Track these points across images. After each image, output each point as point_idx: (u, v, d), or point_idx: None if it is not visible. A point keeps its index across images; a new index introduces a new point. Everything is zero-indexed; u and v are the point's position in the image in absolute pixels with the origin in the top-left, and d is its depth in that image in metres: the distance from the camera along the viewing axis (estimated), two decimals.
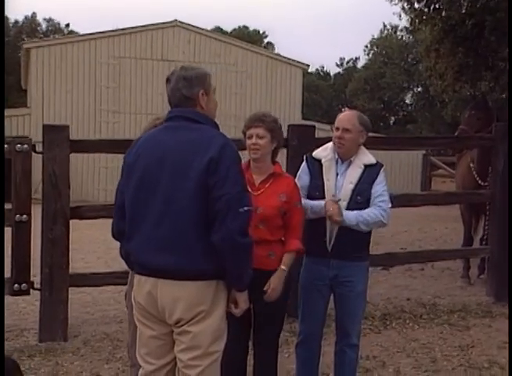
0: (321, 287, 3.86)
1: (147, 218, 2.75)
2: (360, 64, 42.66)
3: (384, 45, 37.96)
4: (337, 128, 3.83)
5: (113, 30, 19.90)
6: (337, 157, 3.86)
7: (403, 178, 20.66)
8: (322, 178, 3.81)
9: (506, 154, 6.45)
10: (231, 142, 2.82)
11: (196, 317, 2.75)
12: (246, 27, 43.86)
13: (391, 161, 20.42)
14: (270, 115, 3.70)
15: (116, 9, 71.31)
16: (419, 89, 36.71)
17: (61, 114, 18.41)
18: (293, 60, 21.91)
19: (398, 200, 6.46)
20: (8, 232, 5.14)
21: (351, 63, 44.32)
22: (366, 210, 3.73)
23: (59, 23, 39.89)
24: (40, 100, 18.82)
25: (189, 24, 20.49)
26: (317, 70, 45.06)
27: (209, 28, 42.14)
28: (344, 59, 44.45)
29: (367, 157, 3.89)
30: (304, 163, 3.94)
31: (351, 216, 3.70)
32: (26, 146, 5.20)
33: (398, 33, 37.77)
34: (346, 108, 43.18)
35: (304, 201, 3.74)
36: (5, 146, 5.16)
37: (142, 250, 2.78)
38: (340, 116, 3.89)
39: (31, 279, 5.28)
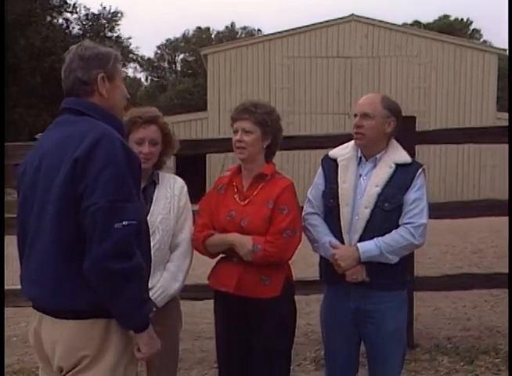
0: (344, 324, 3.00)
1: (27, 242, 2.24)
2: None
3: None
4: (355, 115, 2.96)
5: (287, 30, 19.72)
6: (360, 154, 2.98)
7: None
8: (337, 182, 2.96)
9: None
10: (113, 136, 2.14)
11: (78, 366, 2.15)
12: (447, 16, 41.25)
13: None
14: (263, 105, 2.95)
15: (304, 8, 72.46)
16: None
17: None
18: (487, 46, 19.92)
19: None
20: None
21: None
22: (390, 234, 2.85)
23: (254, 29, 41.41)
24: (216, 104, 19.32)
25: (366, 17, 19.60)
26: None
27: (409, 22, 40.68)
28: None
29: (400, 153, 2.97)
30: (320, 167, 3.12)
31: (371, 246, 2.84)
32: None
33: None
34: None
35: (312, 229, 3.00)
36: None
37: (25, 278, 2.28)
38: (360, 100, 3.00)
39: None
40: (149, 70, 47.64)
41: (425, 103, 19.35)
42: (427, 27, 36.04)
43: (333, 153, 3.07)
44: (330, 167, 3.03)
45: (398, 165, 2.91)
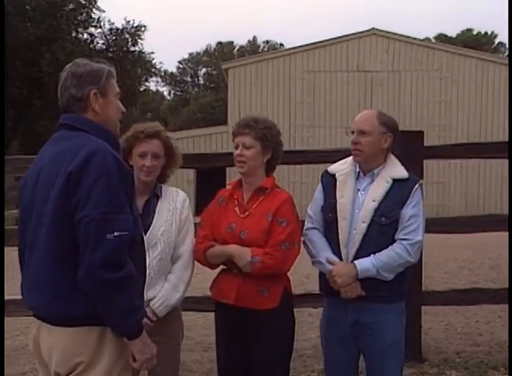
0: (343, 336, 3.03)
1: (26, 252, 2.34)
2: None
3: None
4: (352, 132, 3.02)
5: (307, 45, 19.86)
6: (358, 169, 3.04)
7: None
8: (336, 196, 3.02)
9: None
10: (105, 151, 2.22)
11: (73, 371, 2.23)
12: (470, 30, 41.07)
13: None
14: (264, 120, 3.04)
15: (327, 21, 72.94)
16: None
17: None
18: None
19: None
20: None
21: None
22: (385, 251, 2.90)
23: (276, 43, 41.75)
24: (237, 117, 19.31)
25: (386, 31, 19.63)
26: None
27: (431, 36, 40.60)
28: None
29: (397, 169, 3.01)
30: (319, 182, 3.18)
31: (369, 265, 2.89)
32: None
33: None
34: None
35: (310, 244, 3.06)
36: None
37: (24, 287, 2.38)
38: (357, 117, 3.07)
39: None
40: (172, 84, 48.18)
41: (446, 117, 19.28)
42: (452, 41, 35.91)
43: (332, 168, 3.13)
44: (329, 182, 3.08)
45: (395, 180, 2.96)
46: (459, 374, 4.64)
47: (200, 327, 5.75)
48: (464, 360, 4.86)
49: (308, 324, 5.65)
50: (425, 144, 4.77)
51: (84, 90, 2.31)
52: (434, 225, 4.84)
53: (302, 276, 7.41)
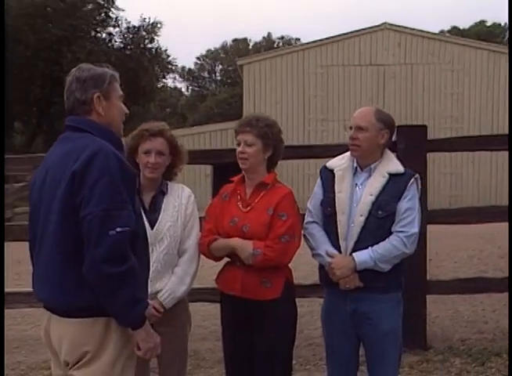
0: (342, 325, 3.17)
1: (36, 247, 2.48)
2: None
3: None
4: (350, 128, 3.16)
5: (320, 40, 19.95)
6: (355, 165, 3.18)
7: None
8: (334, 191, 3.16)
9: None
10: (108, 151, 2.30)
11: (81, 360, 2.37)
12: (483, 22, 40.73)
13: None
14: (265, 118, 3.14)
15: (343, 16, 72.49)
16: None
17: None
18: None
19: None
20: None
21: None
22: (382, 243, 3.02)
23: (292, 38, 41.75)
24: (252, 112, 19.61)
25: (398, 25, 19.67)
26: None
27: (446, 29, 40.33)
28: None
29: (393, 164, 3.14)
30: (318, 177, 3.31)
31: (366, 257, 3.02)
32: None
33: None
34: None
35: (310, 238, 3.20)
36: None
37: (35, 281, 2.52)
38: (355, 113, 3.20)
39: None
40: (190, 80, 48.42)
41: (458, 109, 19.27)
42: (465, 33, 35.69)
43: (331, 163, 3.25)
44: (328, 177, 3.20)
45: (391, 175, 3.07)
46: (463, 360, 4.72)
47: (214, 317, 5.91)
48: (468, 347, 4.96)
49: (319, 313, 5.80)
50: (437, 136, 4.84)
51: (87, 94, 2.42)
52: (438, 217, 5.00)
53: (314, 267, 7.56)
